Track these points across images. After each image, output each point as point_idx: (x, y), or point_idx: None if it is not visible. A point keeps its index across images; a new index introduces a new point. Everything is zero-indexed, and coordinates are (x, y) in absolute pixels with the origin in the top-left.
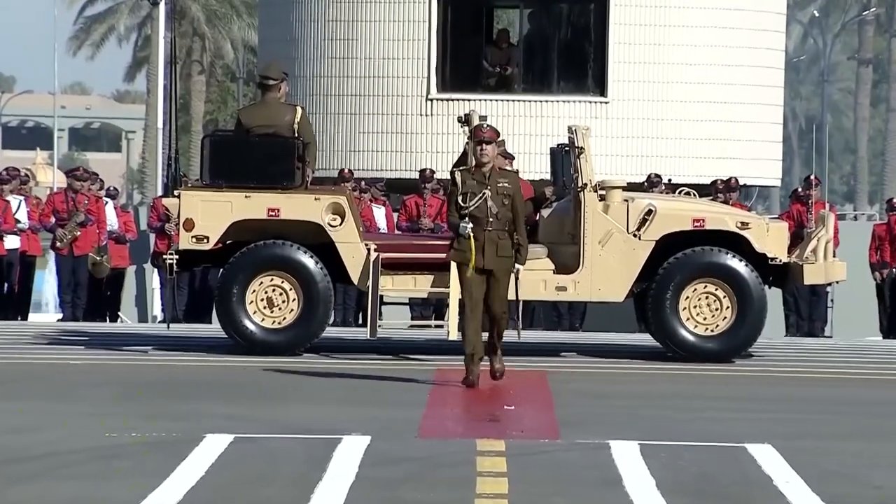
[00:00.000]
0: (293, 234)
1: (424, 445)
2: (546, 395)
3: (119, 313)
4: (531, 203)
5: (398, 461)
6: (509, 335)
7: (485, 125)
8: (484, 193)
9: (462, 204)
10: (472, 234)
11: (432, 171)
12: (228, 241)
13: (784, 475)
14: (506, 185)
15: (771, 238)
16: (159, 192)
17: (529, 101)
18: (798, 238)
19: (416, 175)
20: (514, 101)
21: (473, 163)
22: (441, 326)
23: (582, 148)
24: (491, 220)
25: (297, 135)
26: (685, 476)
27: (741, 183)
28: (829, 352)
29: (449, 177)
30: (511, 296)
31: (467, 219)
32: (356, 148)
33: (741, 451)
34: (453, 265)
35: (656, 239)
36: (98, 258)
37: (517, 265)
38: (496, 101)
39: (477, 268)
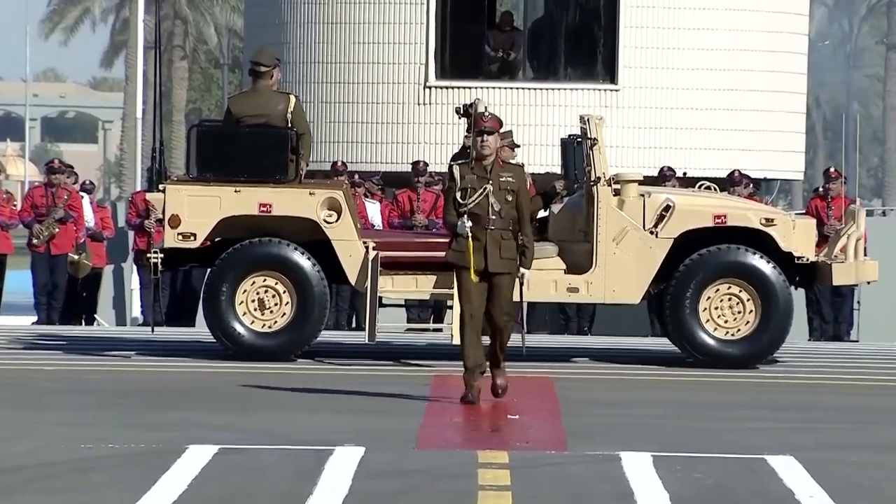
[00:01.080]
0: (286, 231)
1: (422, 457)
2: (552, 403)
3: (96, 316)
4: (540, 198)
5: (394, 474)
6: (511, 348)
7: (487, 113)
8: (485, 189)
9: (461, 201)
10: (471, 234)
11: (426, 164)
12: (217, 239)
13: (807, 489)
14: (509, 179)
15: (797, 235)
16: (138, 187)
17: (534, 89)
18: (820, 236)
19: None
20: (518, 88)
21: (473, 155)
22: (440, 330)
23: (595, 139)
24: (493, 217)
25: (290, 125)
26: (701, 489)
27: (762, 177)
28: (856, 357)
29: (447, 170)
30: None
31: (466, 217)
32: (349, 139)
33: (761, 463)
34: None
35: (675, 236)
36: (76, 257)
37: (522, 269)
38: (499, 88)
39: (477, 271)
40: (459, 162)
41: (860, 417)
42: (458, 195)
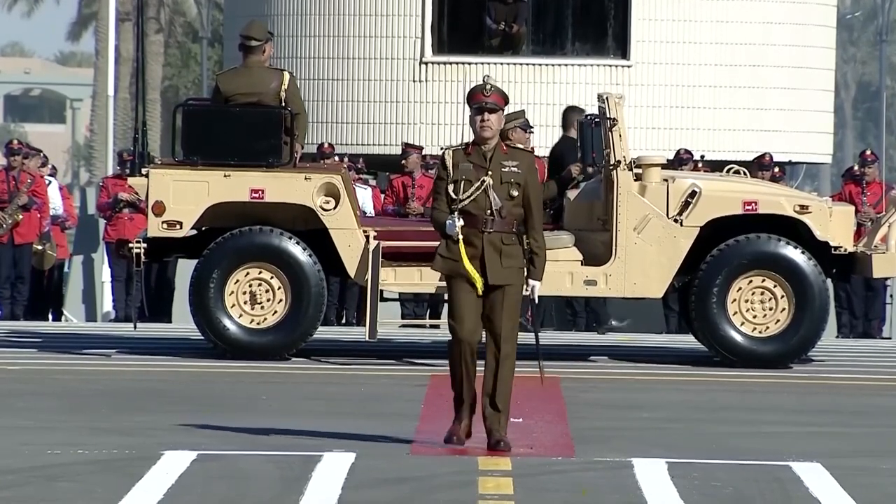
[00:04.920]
0: (280, 219)
1: (418, 464)
2: (559, 405)
3: (63, 311)
4: (554, 184)
5: (387, 482)
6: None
7: (488, 86)
8: (483, 181)
9: (454, 195)
10: (462, 237)
11: (420, 147)
12: (204, 228)
13: (835, 499)
14: (514, 169)
15: (834, 224)
16: (110, 171)
17: (539, 65)
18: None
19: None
20: (521, 64)
21: (463, 140)
22: (437, 326)
23: (615, 119)
24: (492, 217)
25: (284, 104)
26: (720, 499)
27: (787, 160)
28: (890, 356)
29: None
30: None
31: (457, 214)
32: (337, 119)
33: (785, 471)
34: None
35: (701, 225)
36: (39, 247)
37: (532, 282)
38: (501, 64)
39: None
40: (453, 147)
41: (894, 421)
42: (451, 189)
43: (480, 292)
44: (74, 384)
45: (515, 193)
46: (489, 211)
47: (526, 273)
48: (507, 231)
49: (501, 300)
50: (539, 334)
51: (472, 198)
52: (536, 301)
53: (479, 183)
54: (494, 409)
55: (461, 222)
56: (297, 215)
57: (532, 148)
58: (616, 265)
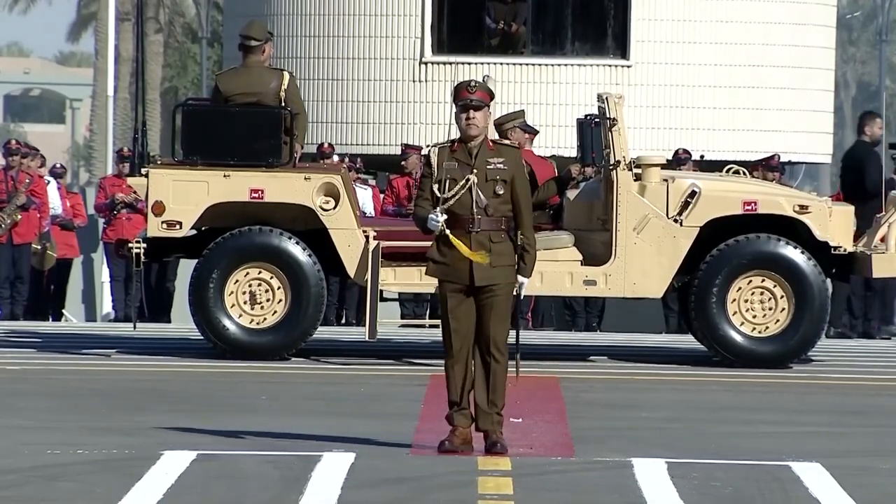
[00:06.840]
0: (279, 219)
1: (417, 464)
2: (558, 405)
3: (63, 311)
4: (554, 184)
5: (387, 482)
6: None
7: (472, 84)
8: (468, 180)
9: (438, 194)
10: (446, 231)
11: (420, 148)
12: (204, 228)
13: (834, 499)
14: (499, 165)
15: (834, 224)
16: (109, 171)
17: (539, 65)
18: None
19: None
20: (521, 64)
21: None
22: (436, 326)
23: (614, 119)
24: (479, 217)
25: (284, 104)
26: (719, 499)
27: (787, 160)
28: (889, 356)
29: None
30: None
31: (439, 210)
32: (337, 119)
33: (785, 471)
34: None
35: (701, 225)
36: (38, 247)
37: (521, 278)
38: (501, 64)
39: (463, 285)
40: (439, 145)
41: (894, 421)
42: (436, 188)
43: (480, 259)
44: (74, 384)
45: (501, 191)
46: (475, 210)
47: (516, 269)
48: (496, 229)
49: (491, 304)
50: (520, 332)
51: (456, 197)
52: (521, 297)
53: (463, 181)
54: (486, 413)
55: (444, 217)
56: (297, 215)
57: (521, 146)
58: (616, 265)
